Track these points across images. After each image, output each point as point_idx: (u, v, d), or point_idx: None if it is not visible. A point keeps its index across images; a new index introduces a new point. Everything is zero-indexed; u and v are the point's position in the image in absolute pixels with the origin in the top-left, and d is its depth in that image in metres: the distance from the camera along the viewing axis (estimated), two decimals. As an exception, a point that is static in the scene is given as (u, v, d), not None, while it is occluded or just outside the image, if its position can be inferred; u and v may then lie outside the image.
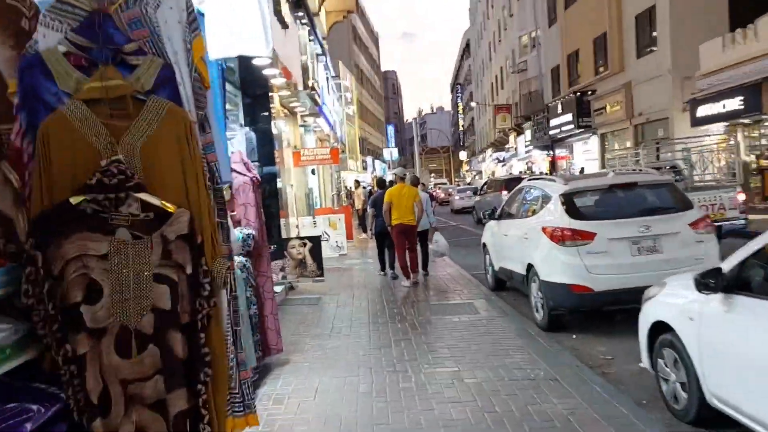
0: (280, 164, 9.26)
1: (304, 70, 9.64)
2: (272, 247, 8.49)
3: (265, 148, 9.16)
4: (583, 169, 23.61)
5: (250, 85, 8.60)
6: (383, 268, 10.29)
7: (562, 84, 29.30)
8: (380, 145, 68.65)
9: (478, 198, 24.50)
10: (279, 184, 9.48)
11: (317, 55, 12.46)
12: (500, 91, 44.58)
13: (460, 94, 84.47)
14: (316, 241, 8.51)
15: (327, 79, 16.05)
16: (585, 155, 27.94)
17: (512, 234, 7.58)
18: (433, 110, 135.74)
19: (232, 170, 5.12)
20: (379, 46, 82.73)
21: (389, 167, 60.74)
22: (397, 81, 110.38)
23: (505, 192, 20.61)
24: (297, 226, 11.28)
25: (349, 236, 13.55)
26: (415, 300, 8.04)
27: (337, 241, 11.58)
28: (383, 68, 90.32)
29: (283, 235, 9.07)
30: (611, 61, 23.39)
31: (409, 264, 9.13)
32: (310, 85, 10.07)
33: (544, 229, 6.37)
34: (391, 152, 55.78)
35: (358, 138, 47.73)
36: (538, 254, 6.47)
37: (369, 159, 53.16)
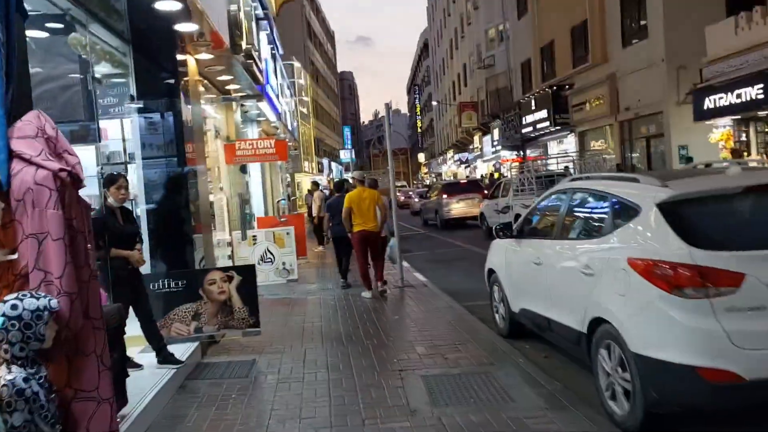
0: (197, 160, 6.32)
1: (235, 25, 6.76)
2: (178, 283, 5.57)
3: (173, 135, 6.22)
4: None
5: (145, 35, 5.64)
6: (344, 278, 9.13)
7: (534, 79, 27.13)
8: (337, 146, 65.73)
9: (423, 201, 24.69)
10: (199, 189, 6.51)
11: (258, 19, 9.51)
12: (463, 89, 42.38)
13: (417, 95, 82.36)
14: (247, 273, 5.60)
15: (274, 56, 13.01)
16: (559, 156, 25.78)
17: (553, 263, 4.89)
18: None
19: (14, 154, 2.21)
20: (336, 53, 79.83)
21: (346, 170, 57.85)
22: (353, 82, 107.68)
23: (445, 196, 21.10)
24: (230, 244, 8.33)
25: (302, 252, 10.65)
26: (401, 365, 5.24)
27: (284, 263, 8.66)
28: (339, 70, 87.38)
29: (199, 262, 6.12)
30: (593, 51, 21.25)
31: (374, 274, 8.40)
32: (244, 48, 7.20)
33: (633, 264, 3.69)
34: (349, 153, 52.88)
35: (314, 138, 44.73)
36: (621, 305, 3.78)
37: (325, 161, 50.23)
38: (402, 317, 7.07)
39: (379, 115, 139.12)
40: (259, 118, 11.94)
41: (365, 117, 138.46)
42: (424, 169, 77.02)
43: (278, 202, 10.67)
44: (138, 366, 4.84)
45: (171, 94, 5.78)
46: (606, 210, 4.33)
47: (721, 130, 15.46)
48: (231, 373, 5.21)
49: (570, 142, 25.02)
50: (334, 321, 7.14)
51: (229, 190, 8.87)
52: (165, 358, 4.89)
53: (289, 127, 16.68)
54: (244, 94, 8.83)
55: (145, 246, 5.64)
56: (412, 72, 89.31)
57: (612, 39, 20.35)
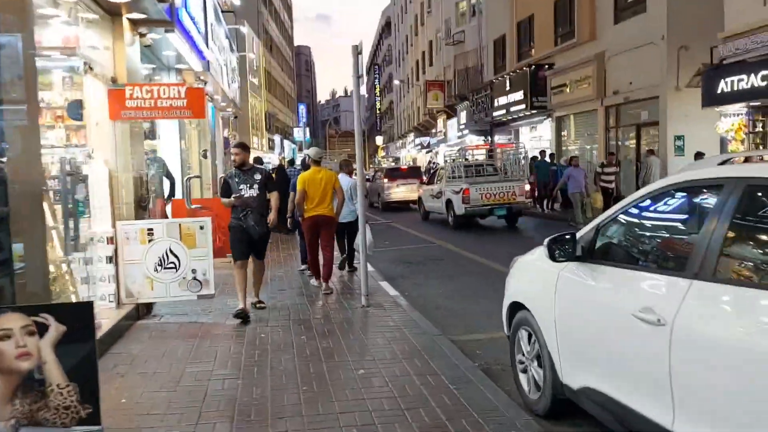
0: (29, 108, 3.48)
1: None
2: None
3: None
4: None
5: None
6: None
7: (508, 57, 24.82)
8: (290, 123, 62.16)
9: (368, 184, 24.39)
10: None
11: None
12: (428, 69, 39.78)
13: (377, 75, 79.13)
14: (77, 319, 2.85)
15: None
16: (532, 142, 23.59)
17: (700, 328, 2.37)
18: (347, 93, 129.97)
19: None
20: (293, 26, 75.56)
21: (300, 149, 54.51)
22: (310, 58, 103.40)
23: (386, 181, 21.61)
24: (111, 241, 5.48)
25: (227, 250, 7.88)
26: None
27: (194, 271, 5.89)
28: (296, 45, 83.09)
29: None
30: (579, 27, 19.03)
31: (322, 265, 7.75)
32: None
33: None
34: (304, 132, 49.56)
35: (265, 113, 41.30)
36: None
37: (277, 138, 46.82)
38: (368, 372, 4.46)
39: (336, 96, 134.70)
40: (178, 65, 8.89)
41: (322, 97, 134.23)
42: (382, 153, 74.22)
43: (188, 180, 7.77)
44: None
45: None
46: None
47: (731, 119, 13.48)
48: None
49: (545, 128, 22.90)
50: (260, 376, 4.46)
51: (116, 160, 6.00)
52: None
53: (227, 88, 13.49)
54: (143, 17, 5.93)
55: None
56: (372, 51, 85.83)
57: (603, 13, 18.17)
